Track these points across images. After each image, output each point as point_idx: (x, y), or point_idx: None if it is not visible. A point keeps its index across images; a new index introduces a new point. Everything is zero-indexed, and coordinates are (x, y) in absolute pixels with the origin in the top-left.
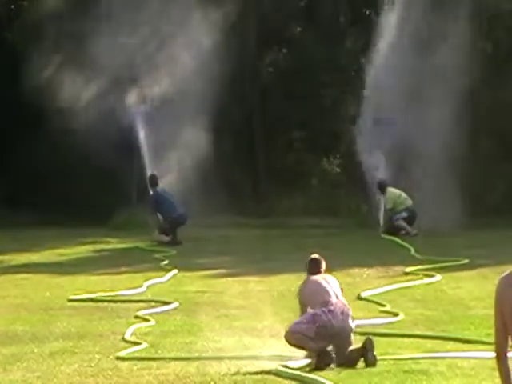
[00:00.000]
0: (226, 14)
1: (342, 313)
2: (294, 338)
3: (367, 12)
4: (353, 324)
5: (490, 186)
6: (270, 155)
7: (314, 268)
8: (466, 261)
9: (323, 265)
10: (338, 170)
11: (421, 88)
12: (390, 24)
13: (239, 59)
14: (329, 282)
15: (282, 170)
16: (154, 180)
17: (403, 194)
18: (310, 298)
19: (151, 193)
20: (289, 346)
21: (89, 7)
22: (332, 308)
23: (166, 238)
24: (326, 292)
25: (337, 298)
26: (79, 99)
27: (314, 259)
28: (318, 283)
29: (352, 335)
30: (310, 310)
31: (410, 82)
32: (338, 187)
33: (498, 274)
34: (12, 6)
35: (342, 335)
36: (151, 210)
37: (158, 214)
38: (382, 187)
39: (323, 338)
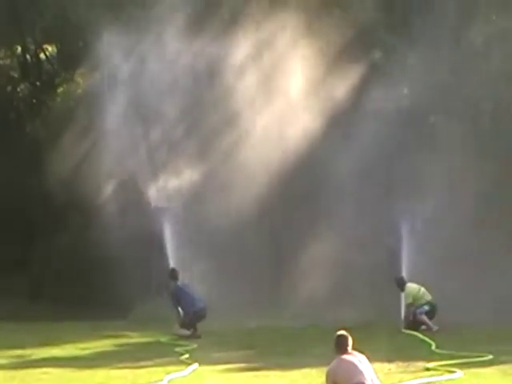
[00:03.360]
0: None
1: None
2: None
3: None
4: None
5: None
6: (290, 246)
7: (342, 344)
8: (490, 356)
9: (350, 341)
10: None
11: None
12: None
13: None
14: (363, 364)
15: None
16: (174, 274)
17: (422, 289)
18: (344, 378)
19: (172, 287)
20: None
21: (110, 100)
22: None
23: (187, 332)
24: (362, 374)
25: (372, 382)
26: (100, 194)
27: (342, 336)
28: (353, 364)
29: None
30: None
31: None
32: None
33: None
34: (34, 100)
35: None
36: (172, 303)
37: (179, 307)
38: (401, 284)
39: None
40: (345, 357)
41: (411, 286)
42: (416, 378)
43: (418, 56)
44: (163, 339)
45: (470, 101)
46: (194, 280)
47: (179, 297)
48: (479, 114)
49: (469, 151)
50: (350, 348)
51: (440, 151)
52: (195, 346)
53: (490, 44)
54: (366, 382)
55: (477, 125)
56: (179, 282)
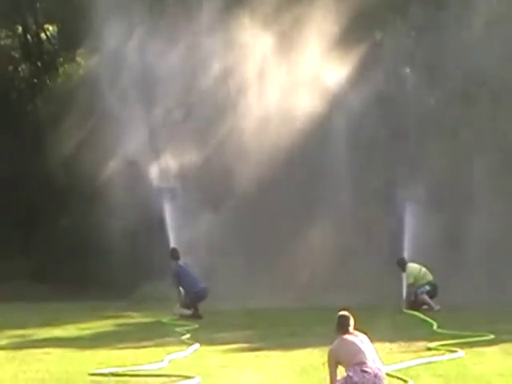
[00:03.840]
0: None
1: (376, 376)
2: None
3: None
4: None
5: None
6: (290, 230)
7: (343, 324)
8: (491, 336)
9: (352, 321)
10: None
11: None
12: None
13: None
14: (365, 344)
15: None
16: (175, 254)
17: (423, 269)
18: (346, 358)
19: (173, 267)
20: None
21: (112, 80)
22: (366, 369)
23: (188, 312)
24: (363, 354)
25: (373, 362)
26: (103, 174)
27: (343, 316)
28: (355, 344)
29: None
30: (343, 372)
31: None
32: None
33: None
34: (35, 80)
35: None
36: (173, 283)
37: (180, 287)
38: (402, 264)
39: None
40: (346, 337)
41: (412, 266)
42: (417, 357)
43: (418, 37)
44: (164, 319)
45: (470, 83)
46: (194, 261)
47: (180, 277)
48: (479, 96)
49: (469, 133)
50: (351, 328)
51: (441, 133)
52: (196, 326)
53: (491, 26)
54: (367, 361)
55: (477, 107)
56: (181, 262)
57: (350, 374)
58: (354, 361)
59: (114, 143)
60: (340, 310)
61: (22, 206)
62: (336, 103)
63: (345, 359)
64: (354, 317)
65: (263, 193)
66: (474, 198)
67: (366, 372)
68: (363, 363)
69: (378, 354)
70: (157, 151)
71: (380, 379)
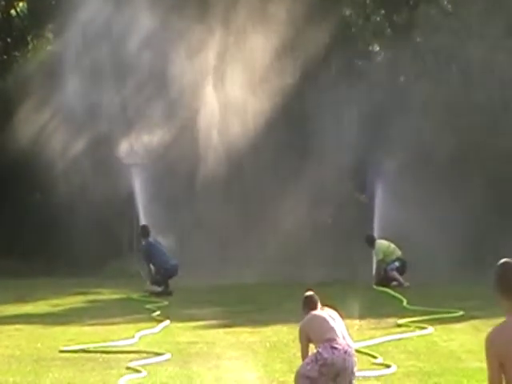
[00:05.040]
0: None
1: (346, 352)
2: (301, 382)
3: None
4: (355, 367)
5: (483, 236)
6: (259, 205)
7: (310, 305)
8: (461, 313)
9: (318, 301)
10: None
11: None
12: None
13: None
14: (336, 320)
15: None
16: (145, 230)
17: (392, 245)
18: (315, 334)
19: (143, 244)
20: None
21: (81, 57)
22: (336, 346)
23: (158, 289)
24: (333, 330)
25: (343, 338)
26: (72, 150)
27: (310, 296)
28: (325, 320)
29: (354, 380)
30: (313, 348)
31: None
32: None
33: (489, 326)
34: (5, 56)
35: (342, 375)
36: (143, 260)
37: (151, 265)
38: (371, 241)
39: (327, 377)
40: (316, 312)
41: (380, 243)
42: (387, 334)
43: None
44: (134, 296)
45: (440, 59)
46: (164, 237)
47: (151, 253)
48: (450, 73)
49: (439, 109)
50: (319, 305)
51: (411, 108)
52: (166, 303)
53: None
54: (337, 338)
55: (447, 83)
56: (151, 239)
57: (320, 350)
58: (324, 337)
59: (84, 119)
60: (308, 286)
61: None
62: (309, 79)
63: (315, 335)
64: (323, 293)
65: (234, 168)
66: (445, 170)
67: (335, 348)
68: (333, 339)
69: (348, 331)
70: (127, 127)
71: (350, 355)
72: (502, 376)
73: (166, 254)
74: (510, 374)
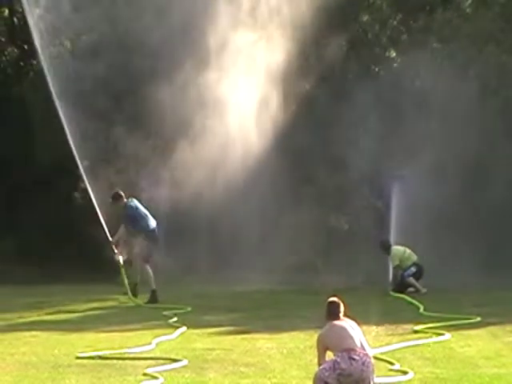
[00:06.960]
0: None
1: (364, 363)
2: None
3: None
4: (374, 379)
5: (501, 242)
6: (275, 212)
7: (333, 311)
8: (478, 319)
9: (342, 308)
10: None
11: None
12: None
13: None
14: (354, 329)
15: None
16: (117, 195)
17: (408, 250)
18: (335, 343)
19: (124, 208)
20: None
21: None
22: (354, 356)
23: (150, 272)
24: (352, 339)
25: (362, 348)
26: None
27: (333, 302)
28: (343, 329)
29: None
30: (331, 356)
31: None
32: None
33: (507, 332)
34: (21, 64)
35: None
36: (125, 223)
37: (132, 227)
38: (386, 247)
39: None
40: (336, 322)
41: (396, 248)
42: (404, 340)
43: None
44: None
45: (458, 62)
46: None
47: (134, 217)
48: (468, 76)
49: (458, 114)
50: (341, 315)
51: (430, 113)
52: (189, 309)
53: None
54: (356, 348)
55: (465, 88)
56: (131, 202)
57: (338, 359)
58: (343, 346)
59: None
60: (328, 293)
61: (5, 186)
62: (326, 84)
63: (333, 344)
64: (341, 300)
65: (251, 173)
66: (462, 176)
67: (353, 359)
68: (352, 349)
69: (366, 340)
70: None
71: (367, 366)
72: None
73: (148, 215)
74: None
